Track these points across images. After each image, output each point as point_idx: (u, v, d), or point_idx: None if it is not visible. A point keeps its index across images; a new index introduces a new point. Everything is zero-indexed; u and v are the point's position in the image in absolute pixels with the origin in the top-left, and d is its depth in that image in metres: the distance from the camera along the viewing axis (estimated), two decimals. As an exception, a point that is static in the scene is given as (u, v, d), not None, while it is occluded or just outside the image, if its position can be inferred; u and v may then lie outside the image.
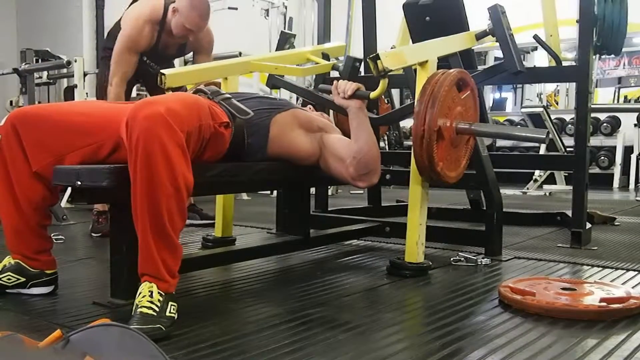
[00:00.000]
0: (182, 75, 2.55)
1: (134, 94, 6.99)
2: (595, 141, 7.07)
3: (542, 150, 6.49)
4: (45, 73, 6.17)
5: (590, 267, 2.45)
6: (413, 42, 2.94)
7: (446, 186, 2.33)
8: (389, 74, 2.09)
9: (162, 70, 2.43)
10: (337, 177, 2.16)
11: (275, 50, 3.17)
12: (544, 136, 2.19)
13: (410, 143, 2.21)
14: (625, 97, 9.87)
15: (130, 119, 1.56)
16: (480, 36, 2.64)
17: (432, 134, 2.09)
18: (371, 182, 2.13)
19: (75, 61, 4.81)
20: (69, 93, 6.01)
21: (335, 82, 2.17)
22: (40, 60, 6.17)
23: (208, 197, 3.57)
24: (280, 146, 2.07)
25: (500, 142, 7.88)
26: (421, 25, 2.87)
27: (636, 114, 7.16)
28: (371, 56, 2.06)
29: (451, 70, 2.20)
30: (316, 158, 2.15)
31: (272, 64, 2.74)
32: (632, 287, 2.03)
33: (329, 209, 3.46)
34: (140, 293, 1.57)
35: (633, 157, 7.01)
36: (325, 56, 2.85)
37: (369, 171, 2.09)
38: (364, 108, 2.12)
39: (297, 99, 3.45)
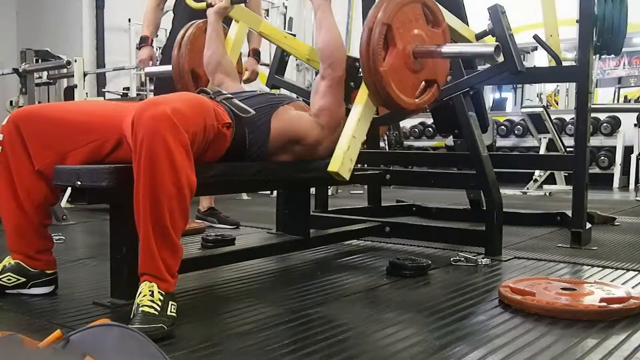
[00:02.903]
0: None
1: (134, 94, 7.01)
2: (595, 141, 7.07)
3: (542, 150, 6.50)
4: (45, 73, 6.17)
5: (590, 267, 2.45)
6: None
7: (446, 186, 2.32)
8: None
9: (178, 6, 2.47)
10: (322, 105, 2.15)
11: (275, 50, 3.17)
12: (492, 49, 2.15)
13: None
14: (625, 97, 9.88)
15: (135, 118, 1.57)
16: (480, 36, 2.64)
17: (382, 28, 2.03)
18: (336, 76, 2.15)
19: (75, 61, 4.81)
20: (69, 93, 6.02)
21: None
22: (40, 61, 6.17)
23: (227, 200, 3.58)
24: (281, 134, 2.07)
25: (500, 142, 7.90)
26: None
27: (636, 114, 7.17)
28: None
29: None
30: (316, 133, 2.14)
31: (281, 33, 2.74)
32: (632, 287, 2.03)
33: (329, 209, 3.46)
34: (140, 292, 1.58)
35: (633, 157, 7.01)
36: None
37: (332, 61, 2.13)
38: (329, 0, 2.16)
39: (297, 98, 3.45)
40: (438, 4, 2.23)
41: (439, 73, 2.27)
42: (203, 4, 2.59)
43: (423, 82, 2.23)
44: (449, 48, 2.23)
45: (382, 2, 2.09)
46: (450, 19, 2.47)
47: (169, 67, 2.68)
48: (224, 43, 2.53)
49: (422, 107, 2.26)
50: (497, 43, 2.13)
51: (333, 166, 2.06)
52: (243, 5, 2.64)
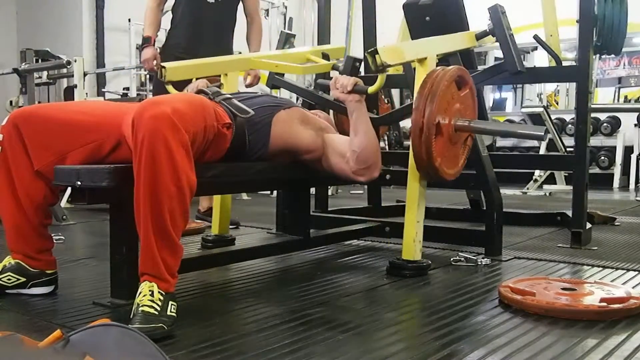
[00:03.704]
0: (183, 69, 2.55)
1: (134, 94, 7.01)
2: (595, 141, 7.07)
3: (542, 150, 6.50)
4: (45, 73, 6.18)
5: (590, 267, 2.44)
6: (413, 42, 2.94)
7: (446, 186, 2.33)
8: (389, 73, 2.10)
9: (162, 64, 2.44)
10: (339, 173, 2.17)
11: (275, 50, 3.17)
12: (542, 133, 2.19)
13: (410, 143, 2.21)
14: (625, 97, 9.87)
15: (136, 118, 1.57)
16: (480, 36, 2.64)
17: (431, 127, 2.09)
18: (372, 176, 2.14)
19: (75, 61, 4.81)
20: (69, 93, 6.01)
21: (334, 77, 2.18)
22: (40, 60, 6.17)
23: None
24: (282, 142, 2.07)
25: (500, 142, 7.89)
26: (421, 25, 2.87)
27: (636, 114, 7.17)
28: (369, 50, 2.07)
29: (450, 67, 2.21)
30: (318, 154, 2.16)
31: (273, 61, 2.74)
32: (632, 287, 2.03)
33: (329, 209, 3.46)
34: (140, 292, 1.58)
35: (633, 157, 7.01)
36: (325, 56, 2.85)
37: (370, 165, 2.11)
38: (363, 102, 2.13)
39: (297, 98, 3.46)
40: (467, 71, 2.28)
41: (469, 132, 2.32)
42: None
43: (462, 143, 2.31)
44: (492, 126, 2.28)
45: (425, 93, 2.10)
46: (454, 40, 2.53)
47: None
48: None
49: (462, 169, 2.35)
50: (546, 127, 2.18)
51: (408, 255, 2.27)
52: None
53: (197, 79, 2.46)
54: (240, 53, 3.67)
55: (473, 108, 2.30)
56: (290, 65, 2.74)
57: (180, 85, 2.52)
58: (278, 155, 2.10)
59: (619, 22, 2.94)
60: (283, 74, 3.10)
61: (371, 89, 2.11)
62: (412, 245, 2.27)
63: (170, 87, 2.54)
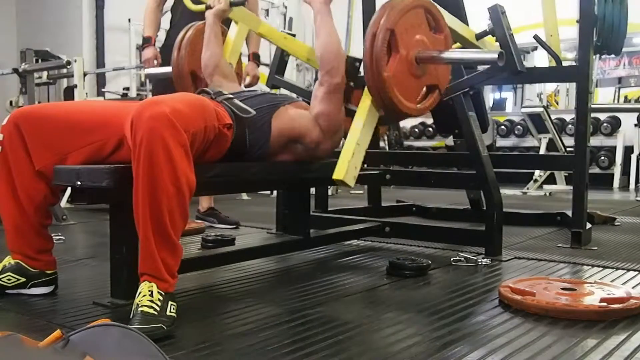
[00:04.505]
0: None
1: (134, 94, 7.01)
2: (595, 141, 7.08)
3: (542, 150, 6.50)
4: (45, 73, 6.17)
5: (590, 267, 2.45)
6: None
7: (445, 186, 2.32)
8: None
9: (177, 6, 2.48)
10: (321, 110, 2.13)
11: (275, 50, 3.17)
12: (496, 56, 2.14)
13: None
14: (626, 97, 9.87)
15: (135, 118, 1.57)
16: (480, 36, 2.64)
17: (385, 33, 2.04)
18: (334, 82, 2.12)
19: (75, 61, 4.81)
20: (69, 93, 6.01)
21: None
22: (40, 61, 6.17)
23: (227, 200, 3.58)
24: (282, 134, 2.07)
25: (500, 142, 7.90)
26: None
27: (636, 114, 7.17)
28: None
29: None
30: (316, 133, 2.14)
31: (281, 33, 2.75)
32: (632, 287, 2.03)
33: (329, 209, 3.46)
34: (140, 292, 1.58)
35: (633, 157, 7.01)
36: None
37: (330, 68, 2.11)
38: (328, 4, 2.15)
39: (297, 98, 3.46)
40: (440, 10, 2.23)
41: (440, 78, 2.28)
42: (202, 7, 2.60)
43: (425, 88, 2.23)
44: (451, 54, 2.23)
45: (385, 7, 2.09)
46: (450, 19, 2.47)
47: (169, 69, 2.68)
48: (222, 45, 2.53)
49: (423, 112, 2.26)
50: (501, 50, 2.12)
51: (338, 174, 2.08)
52: (242, 6, 2.64)
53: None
54: (240, 53, 3.67)
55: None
56: (297, 41, 2.73)
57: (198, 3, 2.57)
58: (278, 153, 2.10)
59: (619, 22, 2.94)
60: (283, 74, 3.11)
61: None
62: (346, 165, 2.09)
63: (187, 1, 2.56)
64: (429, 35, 2.18)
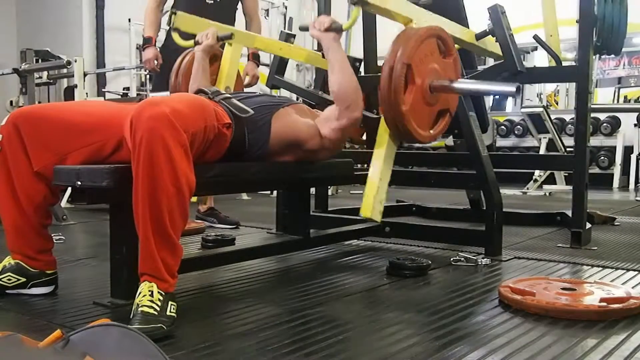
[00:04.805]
0: (192, 20, 2.60)
1: (134, 94, 7.01)
2: (595, 141, 7.07)
3: (542, 150, 6.50)
4: (45, 73, 6.17)
5: (590, 267, 2.45)
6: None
7: (445, 186, 2.33)
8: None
9: (174, 10, 2.49)
10: (330, 135, 2.13)
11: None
12: (514, 89, 2.16)
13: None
14: (625, 97, 9.87)
15: (134, 118, 1.57)
16: (480, 36, 2.64)
17: (402, 68, 2.06)
18: (353, 117, 2.12)
19: (75, 61, 4.81)
20: (69, 93, 6.02)
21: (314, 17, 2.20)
22: (40, 61, 6.17)
23: (227, 200, 3.58)
24: (282, 137, 2.07)
25: (500, 142, 7.89)
26: (421, 25, 2.86)
27: (636, 114, 7.17)
28: None
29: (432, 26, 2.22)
30: (317, 140, 2.14)
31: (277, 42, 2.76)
32: (632, 287, 2.03)
33: (329, 209, 3.46)
34: (140, 292, 1.58)
35: (633, 157, 7.01)
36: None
37: (349, 104, 2.10)
38: (339, 40, 2.15)
39: (297, 99, 3.46)
40: (449, 35, 2.26)
41: (450, 102, 2.33)
42: (191, 42, 2.63)
43: (437, 113, 2.28)
44: (465, 85, 2.26)
45: (400, 39, 2.11)
46: (449, 26, 2.49)
47: (166, 93, 2.71)
48: (209, 78, 2.55)
49: (435, 138, 2.32)
50: (518, 84, 2.15)
51: (365, 212, 2.15)
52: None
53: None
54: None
55: (455, 78, 2.27)
56: (293, 48, 2.74)
57: (188, 37, 2.57)
58: (278, 153, 2.10)
59: (618, 22, 2.94)
60: (283, 74, 3.11)
61: (345, 25, 2.12)
62: (371, 202, 2.15)
63: (176, 36, 2.57)
64: (440, 61, 2.21)
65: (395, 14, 2.27)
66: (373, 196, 2.15)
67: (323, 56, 2.56)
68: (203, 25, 2.64)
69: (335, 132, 2.13)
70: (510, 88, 2.17)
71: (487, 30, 2.57)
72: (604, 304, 1.73)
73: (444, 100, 2.28)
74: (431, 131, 2.26)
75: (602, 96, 9.74)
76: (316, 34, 2.16)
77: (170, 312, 1.57)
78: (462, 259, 2.47)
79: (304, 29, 2.41)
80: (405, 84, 2.09)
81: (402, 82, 2.07)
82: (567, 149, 5.76)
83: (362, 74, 3.32)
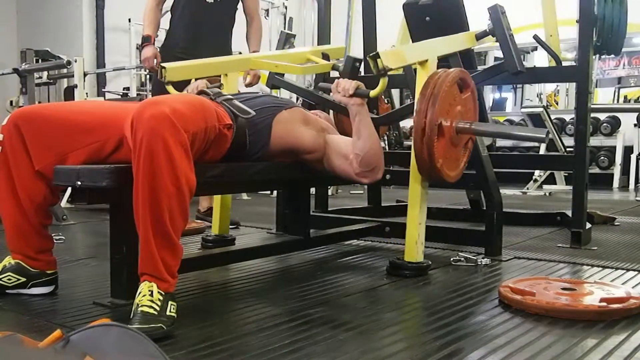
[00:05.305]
0: (183, 69, 2.54)
1: (134, 94, 7.01)
2: (595, 141, 7.07)
3: (542, 150, 6.50)
4: (45, 73, 6.17)
5: (590, 267, 2.45)
6: (413, 42, 2.94)
7: (446, 186, 2.33)
8: (389, 73, 2.09)
9: (162, 64, 2.44)
10: (342, 174, 2.17)
11: (275, 50, 3.17)
12: (544, 135, 2.19)
13: (411, 143, 2.21)
14: (625, 97, 9.87)
15: (135, 118, 1.57)
16: (480, 36, 2.64)
17: (433, 129, 2.10)
18: (375, 178, 2.15)
19: (75, 61, 4.81)
20: (69, 93, 6.01)
21: (336, 80, 2.18)
22: (40, 60, 6.17)
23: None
24: (283, 142, 2.07)
25: (500, 142, 7.88)
26: (421, 26, 2.87)
27: (636, 114, 7.17)
28: (371, 54, 2.06)
29: (452, 69, 2.21)
30: (319, 154, 2.16)
31: (272, 61, 2.74)
32: (632, 287, 2.03)
33: (329, 209, 3.46)
34: (140, 292, 1.58)
35: (633, 157, 7.01)
36: (325, 56, 2.85)
37: (373, 167, 2.12)
38: (365, 105, 2.14)
39: (297, 99, 3.46)
40: (468, 73, 2.29)
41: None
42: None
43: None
44: (492, 128, 2.28)
45: (427, 96, 2.11)
46: (456, 41, 2.53)
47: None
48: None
49: (462, 172, 2.35)
50: (548, 129, 2.19)
51: (410, 257, 2.27)
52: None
53: (197, 79, 2.46)
54: (240, 53, 3.68)
55: (474, 110, 2.30)
56: (289, 66, 2.74)
57: (180, 85, 2.52)
58: (278, 156, 2.10)
59: (618, 22, 2.95)
60: (283, 74, 3.10)
61: (373, 93, 2.11)
62: (415, 247, 2.27)
63: (170, 88, 2.54)
64: (460, 99, 2.23)
65: (413, 63, 2.34)
66: (415, 241, 2.27)
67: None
68: (194, 70, 2.57)
69: (346, 174, 2.16)
70: (540, 134, 2.23)
71: (487, 30, 2.57)
72: (604, 304, 1.73)
73: (466, 135, 2.30)
74: (458, 170, 2.31)
75: (602, 96, 9.74)
76: (341, 99, 2.13)
77: (170, 312, 1.57)
78: (462, 259, 2.47)
79: (325, 89, 2.41)
80: (437, 139, 2.12)
81: (434, 141, 2.11)
82: (567, 149, 5.76)
83: (362, 73, 3.32)
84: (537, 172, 6.23)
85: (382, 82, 2.10)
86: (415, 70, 2.40)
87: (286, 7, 7.27)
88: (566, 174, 6.20)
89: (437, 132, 2.10)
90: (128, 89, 7.11)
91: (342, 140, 2.18)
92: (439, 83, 2.12)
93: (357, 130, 2.10)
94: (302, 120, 2.15)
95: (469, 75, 2.28)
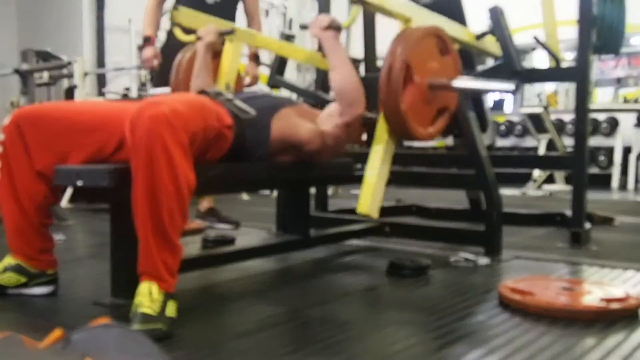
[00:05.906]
0: (193, 15, 2.60)
1: (134, 94, 7.02)
2: (594, 141, 7.07)
3: (542, 150, 6.50)
4: (45, 73, 6.16)
5: (589, 266, 2.45)
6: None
7: (445, 186, 2.33)
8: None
9: (176, 7, 2.51)
10: (334, 132, 2.14)
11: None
12: (513, 87, 2.17)
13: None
14: (624, 97, 9.86)
15: (134, 118, 1.57)
16: (480, 37, 2.64)
17: (401, 66, 2.07)
18: (356, 113, 2.13)
19: (76, 61, 4.82)
20: (70, 93, 6.01)
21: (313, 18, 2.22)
22: (41, 61, 6.17)
23: (227, 200, 3.58)
24: (282, 138, 2.07)
25: (500, 142, 7.89)
26: (421, 26, 2.87)
27: (635, 114, 7.17)
28: None
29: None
30: (318, 143, 2.14)
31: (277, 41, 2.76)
32: (632, 287, 2.03)
33: (329, 209, 3.46)
34: (140, 292, 1.58)
35: (632, 158, 7.01)
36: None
37: (351, 101, 2.12)
38: (338, 38, 2.16)
39: (297, 99, 3.46)
40: (447, 34, 2.27)
41: (450, 101, 2.33)
42: (192, 37, 2.63)
43: (435, 111, 2.28)
44: (464, 82, 2.26)
45: (399, 39, 2.12)
46: (450, 27, 2.49)
47: (167, 90, 2.71)
48: (211, 74, 2.54)
49: (434, 136, 2.33)
50: (517, 81, 2.17)
51: (362, 208, 2.15)
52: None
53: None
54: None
55: (454, 76, 2.28)
56: (294, 48, 2.74)
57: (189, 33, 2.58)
58: (278, 153, 2.10)
59: (617, 23, 2.95)
60: (283, 74, 3.11)
61: (345, 23, 2.14)
62: (369, 199, 2.16)
63: (178, 31, 2.57)
64: (438, 59, 2.22)
65: (394, 13, 2.28)
66: (371, 193, 2.15)
67: (323, 56, 2.57)
68: (203, 21, 2.64)
69: (338, 128, 2.13)
70: (509, 86, 2.19)
71: (487, 30, 2.57)
72: (604, 303, 1.73)
73: (443, 99, 2.28)
74: (430, 129, 2.26)
75: (601, 96, 9.74)
76: (316, 32, 2.17)
77: (170, 312, 1.57)
78: (462, 259, 2.47)
79: (304, 27, 2.42)
80: (404, 82, 2.10)
81: (401, 80, 2.08)
82: (567, 149, 5.77)
83: (362, 74, 3.32)
84: (537, 172, 6.23)
85: (354, 11, 2.11)
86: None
87: (286, 8, 7.27)
88: (566, 174, 6.20)
89: (404, 72, 2.08)
90: (128, 89, 7.12)
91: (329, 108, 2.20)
92: (414, 30, 2.17)
93: (331, 63, 2.13)
94: (299, 114, 2.16)
95: (449, 39, 2.27)
